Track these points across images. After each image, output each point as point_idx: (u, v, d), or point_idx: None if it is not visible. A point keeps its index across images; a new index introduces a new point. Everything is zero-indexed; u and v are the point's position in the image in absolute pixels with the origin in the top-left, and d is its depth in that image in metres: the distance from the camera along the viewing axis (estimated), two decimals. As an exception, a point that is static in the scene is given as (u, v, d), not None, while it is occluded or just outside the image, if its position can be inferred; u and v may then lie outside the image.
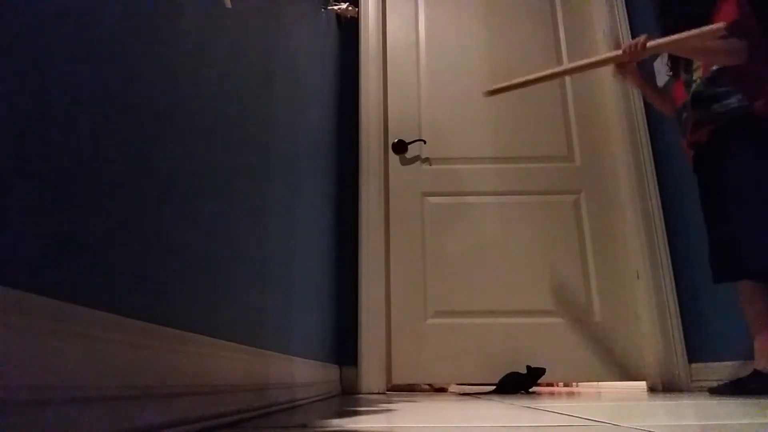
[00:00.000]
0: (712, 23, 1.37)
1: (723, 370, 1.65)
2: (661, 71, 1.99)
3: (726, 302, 1.64)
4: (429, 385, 2.24)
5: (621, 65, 1.59)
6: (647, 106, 2.12)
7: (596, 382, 2.37)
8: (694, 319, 1.83)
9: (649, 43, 1.45)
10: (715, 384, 1.54)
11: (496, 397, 1.46)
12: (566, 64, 2.00)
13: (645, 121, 2.10)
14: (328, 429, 0.60)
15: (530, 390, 1.83)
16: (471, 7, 2.34)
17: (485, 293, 1.99)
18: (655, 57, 2.03)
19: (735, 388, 1.32)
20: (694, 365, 1.81)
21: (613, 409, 0.90)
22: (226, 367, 0.67)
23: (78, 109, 0.41)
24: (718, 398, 1.22)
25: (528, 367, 1.80)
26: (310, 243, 1.40)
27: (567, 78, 2.23)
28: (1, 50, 0.33)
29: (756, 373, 1.31)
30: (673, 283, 1.91)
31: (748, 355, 1.50)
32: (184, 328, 0.58)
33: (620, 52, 1.51)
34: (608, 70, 2.19)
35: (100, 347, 0.40)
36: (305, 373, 1.20)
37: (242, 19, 0.87)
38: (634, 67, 1.61)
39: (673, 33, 1.41)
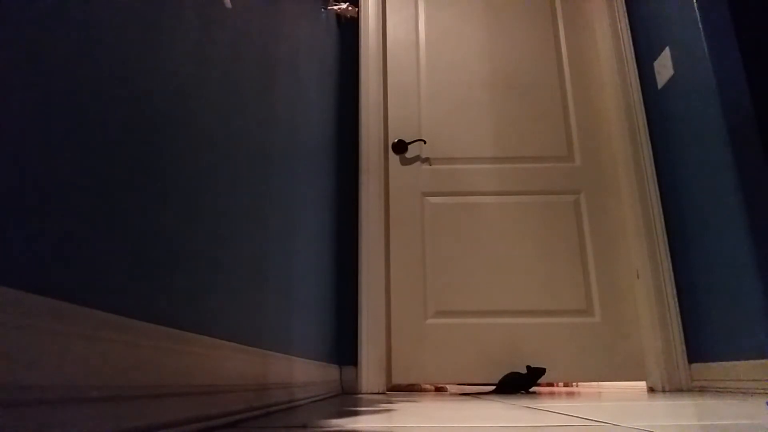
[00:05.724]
0: None
1: (723, 370, 1.64)
2: (661, 71, 1.99)
3: (726, 302, 1.64)
4: (429, 384, 2.24)
5: None
6: (647, 105, 2.12)
7: (596, 382, 2.37)
8: (694, 319, 1.83)
9: None
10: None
11: (496, 397, 1.46)
12: None
13: (645, 121, 2.10)
14: (328, 429, 0.60)
15: (530, 390, 1.83)
16: (471, 7, 2.34)
17: (485, 293, 1.99)
18: (654, 56, 2.03)
19: None
20: (694, 365, 1.81)
21: (613, 409, 0.90)
22: (226, 367, 0.67)
23: (77, 109, 0.41)
24: (720, 398, 1.22)
25: (528, 367, 1.80)
26: (310, 243, 1.40)
27: (567, 78, 2.23)
28: (1, 50, 0.33)
29: None
30: (673, 283, 1.91)
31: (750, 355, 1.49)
32: (184, 328, 0.58)
33: None
34: (608, 70, 2.20)
35: (100, 347, 0.40)
36: (305, 373, 1.20)
37: (242, 19, 0.87)
38: None
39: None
